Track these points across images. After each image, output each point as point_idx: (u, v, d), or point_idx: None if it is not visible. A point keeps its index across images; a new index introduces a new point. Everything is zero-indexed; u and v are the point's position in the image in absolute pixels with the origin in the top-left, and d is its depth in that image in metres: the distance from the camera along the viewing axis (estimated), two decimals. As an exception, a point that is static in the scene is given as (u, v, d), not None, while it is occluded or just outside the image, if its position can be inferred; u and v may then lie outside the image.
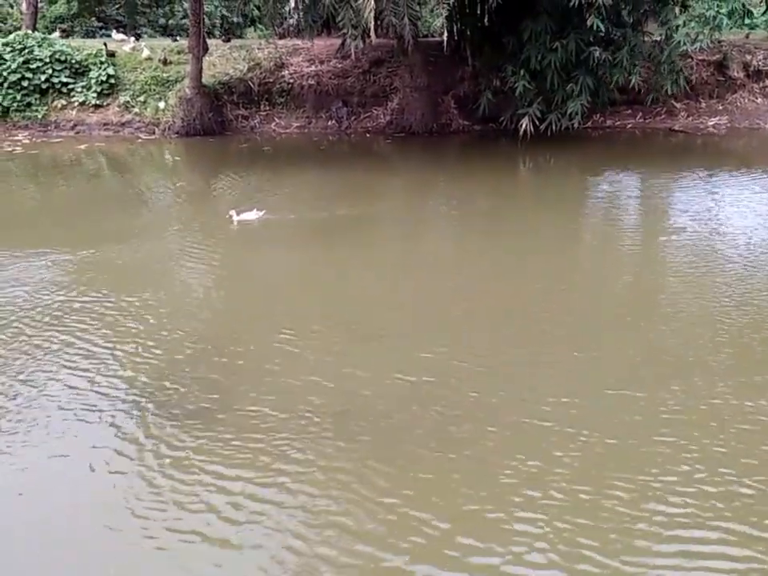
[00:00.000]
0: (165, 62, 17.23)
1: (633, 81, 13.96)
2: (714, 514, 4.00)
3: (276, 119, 16.95)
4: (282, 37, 19.46)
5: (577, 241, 9.45)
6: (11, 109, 16.60)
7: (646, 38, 14.59)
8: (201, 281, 7.86)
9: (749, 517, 3.98)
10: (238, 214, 9.56)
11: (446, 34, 16.69)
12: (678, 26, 13.24)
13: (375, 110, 16.87)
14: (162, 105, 16.46)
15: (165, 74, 16.94)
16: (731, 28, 16.24)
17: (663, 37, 14.04)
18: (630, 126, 16.45)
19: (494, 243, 8.89)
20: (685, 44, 13.27)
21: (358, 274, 8.05)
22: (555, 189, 11.98)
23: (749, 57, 16.76)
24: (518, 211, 10.59)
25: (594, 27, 13.04)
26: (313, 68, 17.28)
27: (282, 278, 7.86)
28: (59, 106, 16.74)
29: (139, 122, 16.55)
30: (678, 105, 16.32)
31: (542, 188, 12.35)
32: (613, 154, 14.36)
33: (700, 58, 16.40)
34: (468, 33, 16.80)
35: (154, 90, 16.72)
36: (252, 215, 9.65)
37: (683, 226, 9.37)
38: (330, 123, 16.87)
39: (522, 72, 14.41)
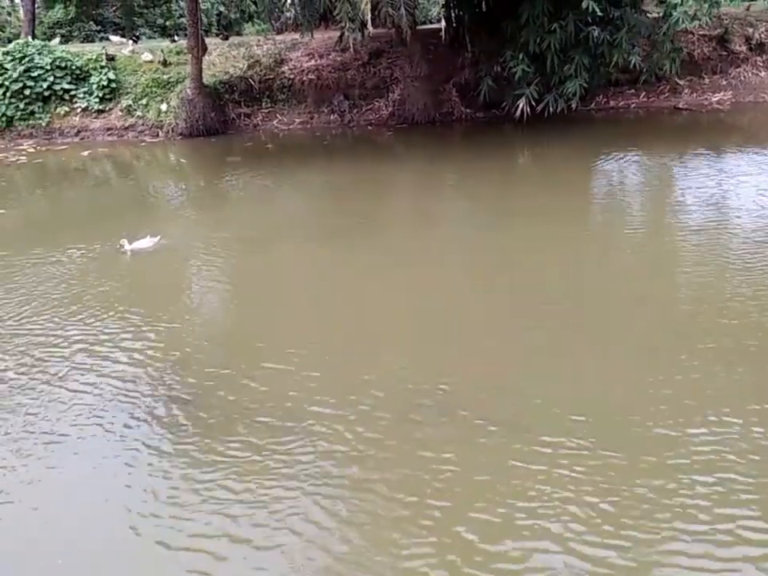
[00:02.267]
0: (165, 64, 17.27)
1: (633, 61, 13.91)
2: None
3: (278, 116, 16.96)
4: (279, 32, 19.48)
5: (584, 227, 9.38)
6: (15, 118, 16.71)
7: (644, 17, 14.50)
8: (202, 288, 7.93)
9: None
10: (130, 243, 8.66)
11: (443, 21, 16.75)
12: (676, 4, 13.12)
13: (377, 101, 16.85)
14: (164, 107, 16.50)
15: (165, 76, 16.99)
16: (732, 0, 16.12)
17: (662, 15, 13.94)
18: (633, 105, 16.36)
19: (501, 235, 8.77)
20: (684, 21, 13.17)
21: (365, 278, 8.01)
22: (561, 173, 11.93)
23: (750, 30, 16.61)
24: (525, 200, 10.50)
25: (590, 9, 12.95)
26: (312, 62, 17.27)
27: (275, 289, 7.86)
28: (62, 112, 16.82)
29: (142, 125, 16.61)
30: (681, 82, 16.21)
31: (547, 174, 12.28)
32: (617, 135, 14.27)
33: (701, 33, 16.28)
34: (466, 19, 16.74)
35: (156, 93, 16.77)
36: (146, 242, 8.75)
37: (690, 207, 9.35)
38: (332, 117, 16.87)
39: (521, 56, 14.35)
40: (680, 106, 15.98)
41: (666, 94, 16.35)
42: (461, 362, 5.67)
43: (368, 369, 5.60)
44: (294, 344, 6.11)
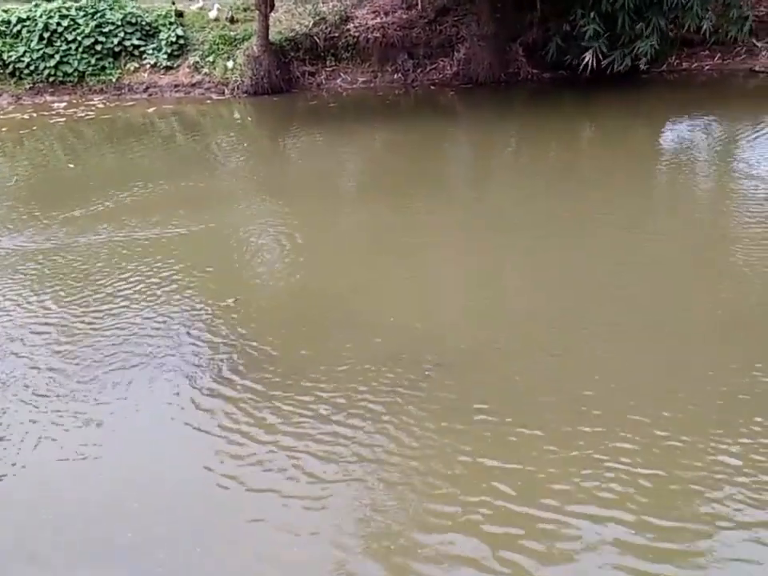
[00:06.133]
0: (232, 21, 17.37)
1: (704, 26, 13.51)
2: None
3: (342, 74, 16.93)
4: (346, -11, 19.28)
5: (645, 201, 9.19)
6: (86, 73, 17.04)
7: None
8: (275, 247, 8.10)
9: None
10: None
11: (513, -22, 16.34)
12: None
13: (441, 61, 16.66)
14: (230, 64, 16.63)
15: (232, 33, 17.07)
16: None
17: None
18: (707, 67, 15.81)
19: (555, 204, 8.56)
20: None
21: (416, 240, 8.04)
22: (626, 139, 11.72)
23: (837, -11, 15.82)
24: (592, 166, 10.37)
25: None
26: (378, 20, 17.13)
27: (334, 247, 7.99)
28: (132, 68, 17.12)
29: (209, 82, 16.78)
30: (758, 44, 15.58)
31: (616, 137, 11.99)
32: (689, 99, 13.87)
33: (783, -8, 15.62)
34: (536, -24, 16.33)
35: (222, 50, 16.88)
36: None
37: (763, 174, 9.10)
38: (395, 77, 16.75)
39: (592, 15, 13.99)
40: (756, 68, 15.36)
41: (743, 56, 15.72)
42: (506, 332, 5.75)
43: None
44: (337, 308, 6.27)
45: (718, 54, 15.80)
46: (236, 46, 16.79)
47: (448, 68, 16.61)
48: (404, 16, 17.10)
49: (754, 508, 3.83)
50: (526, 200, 9.03)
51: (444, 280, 6.80)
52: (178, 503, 4.16)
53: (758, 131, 11.26)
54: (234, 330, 5.79)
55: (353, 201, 9.65)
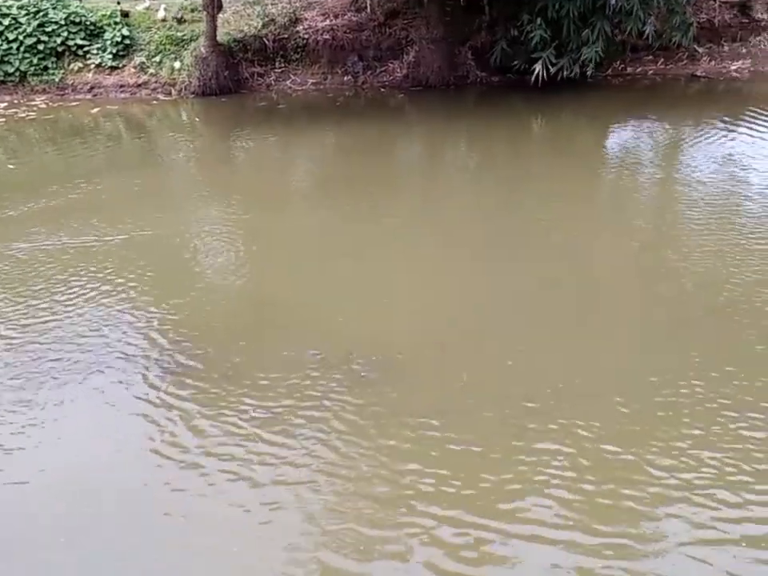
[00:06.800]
0: (180, 21, 17.12)
1: (647, 31, 13.77)
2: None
3: (291, 76, 16.82)
4: (295, -10, 19.16)
5: (592, 200, 9.35)
6: (28, 73, 16.62)
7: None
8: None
9: None
10: None
11: (462, -18, 16.39)
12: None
13: (391, 63, 16.66)
14: (177, 65, 16.40)
15: (180, 33, 16.81)
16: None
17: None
18: (650, 72, 16.09)
19: (510, 209, 8.73)
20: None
21: (364, 245, 8.05)
22: (575, 141, 11.94)
23: (774, -3, 16.25)
24: (538, 169, 10.44)
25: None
26: (327, 22, 17.06)
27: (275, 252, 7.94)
28: (76, 68, 16.75)
29: (155, 82, 16.52)
30: (700, 49, 15.92)
31: (561, 140, 12.21)
32: (632, 103, 14.11)
33: (723, 0, 15.98)
34: (485, -20, 16.42)
35: (169, 50, 16.63)
36: None
37: (702, 177, 9.29)
38: (345, 78, 16.70)
39: (538, 20, 14.14)
40: (698, 73, 15.71)
41: (684, 62, 16.06)
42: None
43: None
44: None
45: (661, 60, 16.09)
46: (183, 46, 16.56)
47: (398, 70, 16.61)
48: (353, 18, 17.06)
49: (695, 527, 3.83)
50: (473, 204, 9.11)
51: (389, 286, 6.75)
52: (105, 514, 4.05)
53: (698, 135, 11.50)
54: (167, 337, 5.70)
55: (299, 204, 9.59)
